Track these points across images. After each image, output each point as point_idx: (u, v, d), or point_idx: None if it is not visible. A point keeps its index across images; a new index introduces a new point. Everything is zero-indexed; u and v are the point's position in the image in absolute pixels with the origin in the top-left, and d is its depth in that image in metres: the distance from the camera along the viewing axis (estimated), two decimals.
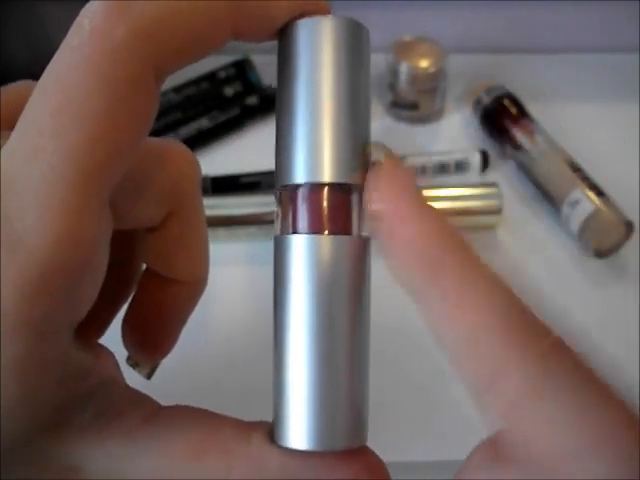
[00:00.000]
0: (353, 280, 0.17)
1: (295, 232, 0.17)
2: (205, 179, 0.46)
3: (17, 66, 0.47)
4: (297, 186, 0.17)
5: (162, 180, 0.21)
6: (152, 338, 0.23)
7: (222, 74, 0.53)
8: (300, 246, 0.17)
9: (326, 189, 0.17)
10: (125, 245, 0.23)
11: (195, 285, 0.23)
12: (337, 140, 0.17)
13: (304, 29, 0.17)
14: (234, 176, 0.47)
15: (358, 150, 0.18)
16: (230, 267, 0.42)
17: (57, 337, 0.16)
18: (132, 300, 0.23)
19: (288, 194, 0.18)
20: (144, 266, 0.24)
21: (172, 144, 0.21)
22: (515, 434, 0.15)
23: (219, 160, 0.49)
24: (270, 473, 0.18)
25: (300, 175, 0.17)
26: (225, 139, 0.51)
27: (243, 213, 0.43)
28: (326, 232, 0.17)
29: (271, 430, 0.18)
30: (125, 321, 0.23)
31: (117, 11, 0.16)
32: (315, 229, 0.17)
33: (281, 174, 0.18)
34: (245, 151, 0.50)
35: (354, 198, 0.18)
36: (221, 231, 0.43)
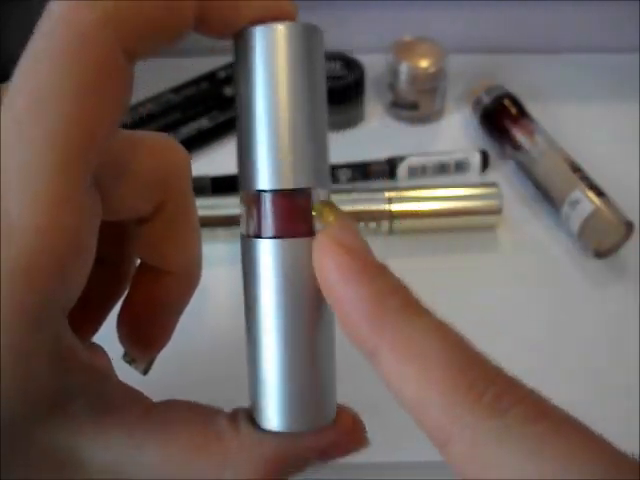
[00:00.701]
0: (315, 278, 0.18)
1: (260, 235, 0.18)
2: (205, 179, 0.46)
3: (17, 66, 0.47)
4: (260, 192, 0.18)
5: (151, 169, 0.21)
6: (147, 332, 0.24)
7: (222, 74, 0.53)
8: (265, 250, 0.18)
9: (288, 195, 0.18)
10: (118, 240, 0.23)
11: (188, 276, 0.24)
12: (295, 146, 0.18)
13: (260, 37, 0.18)
14: (234, 176, 0.46)
15: (316, 152, 0.19)
16: (230, 267, 0.42)
17: (49, 323, 0.17)
18: (126, 296, 0.24)
19: (252, 198, 0.19)
20: (138, 263, 0.24)
21: (163, 137, 0.22)
22: None
23: (219, 160, 0.49)
24: (267, 453, 0.19)
25: (263, 182, 0.18)
26: (225, 139, 0.51)
27: None
28: (289, 235, 0.18)
29: (251, 416, 0.19)
30: (120, 317, 0.23)
31: None
32: (278, 233, 0.18)
33: (244, 179, 0.19)
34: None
35: (314, 199, 0.19)
36: (221, 231, 0.43)
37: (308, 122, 0.18)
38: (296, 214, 0.18)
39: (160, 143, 0.22)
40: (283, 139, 0.18)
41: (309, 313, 0.19)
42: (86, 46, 0.16)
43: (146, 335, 0.23)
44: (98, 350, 0.21)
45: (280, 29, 0.18)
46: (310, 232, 0.18)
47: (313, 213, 0.18)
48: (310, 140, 0.18)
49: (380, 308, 0.17)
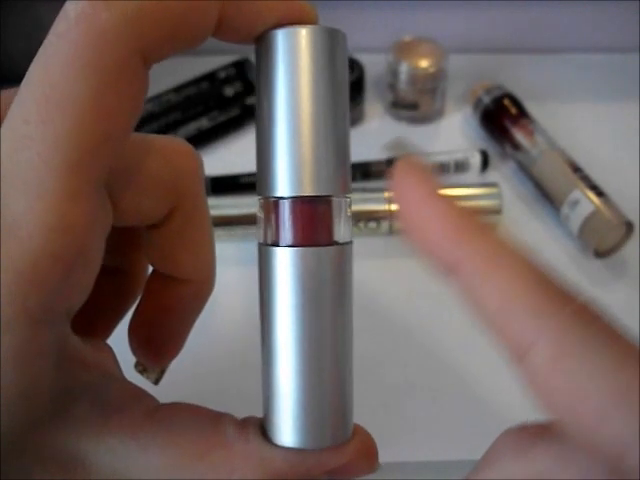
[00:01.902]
0: (335, 287, 0.18)
1: (278, 244, 0.18)
2: (205, 179, 0.46)
3: (17, 66, 0.47)
4: (279, 198, 0.18)
5: (164, 174, 0.20)
6: (159, 341, 0.23)
7: (222, 74, 0.53)
8: (283, 259, 0.18)
9: (307, 202, 0.18)
10: (130, 246, 0.23)
11: (201, 284, 0.23)
12: (317, 153, 0.17)
13: (282, 40, 0.18)
14: (234, 176, 0.47)
15: (338, 159, 0.18)
16: (230, 267, 0.42)
17: (53, 325, 0.16)
18: (138, 304, 0.23)
19: (271, 204, 0.18)
20: (150, 271, 0.23)
21: (175, 140, 0.21)
22: (546, 403, 0.15)
23: (219, 160, 0.49)
24: (274, 467, 0.18)
25: (282, 188, 0.18)
26: (225, 139, 0.51)
27: (243, 213, 0.43)
28: (308, 244, 0.18)
29: (262, 427, 0.19)
30: (131, 326, 0.23)
31: None
32: (298, 242, 0.18)
33: (264, 185, 0.18)
34: (245, 151, 0.50)
35: (334, 208, 0.18)
36: (221, 231, 0.43)
37: (330, 127, 0.18)
38: (316, 222, 0.18)
39: (172, 146, 0.21)
40: (304, 144, 0.17)
41: (328, 325, 0.18)
42: (102, 47, 0.15)
43: (158, 344, 0.23)
44: (103, 348, 0.21)
45: (303, 32, 0.17)
46: (330, 241, 0.18)
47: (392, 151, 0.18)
48: (332, 146, 0.18)
49: (466, 222, 0.17)
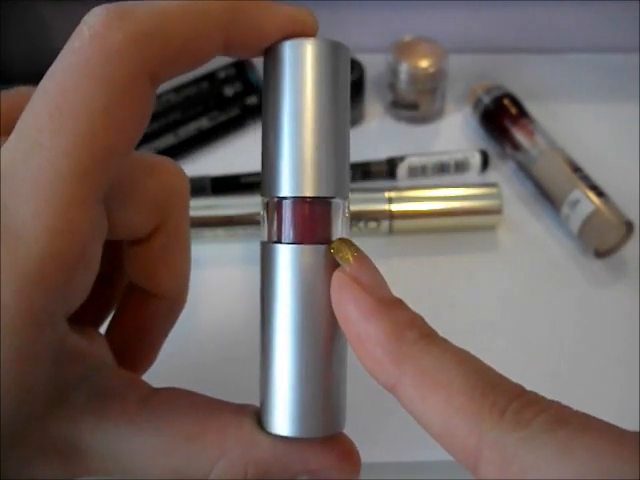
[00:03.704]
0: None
1: (280, 241, 0.19)
2: (205, 179, 0.46)
3: (17, 66, 0.47)
4: (282, 198, 0.19)
5: (152, 191, 0.21)
6: (133, 353, 0.24)
7: (222, 74, 0.53)
8: (284, 255, 0.19)
9: (308, 203, 0.19)
10: (112, 259, 0.23)
11: (175, 301, 0.24)
12: (318, 157, 0.19)
13: (289, 51, 0.19)
14: (234, 176, 0.47)
15: (338, 163, 0.19)
16: (230, 267, 0.42)
17: (54, 326, 0.17)
18: (113, 317, 0.24)
19: (274, 204, 0.19)
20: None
21: (164, 159, 0.22)
22: None
23: (219, 160, 0.49)
24: (260, 455, 0.19)
25: (285, 189, 0.19)
26: (225, 139, 0.51)
27: (243, 213, 0.43)
28: (308, 242, 0.19)
29: (259, 416, 0.20)
30: (106, 337, 0.23)
31: (116, 18, 0.16)
32: (298, 239, 0.19)
33: (267, 185, 0.19)
34: (245, 151, 0.50)
35: (333, 209, 0.19)
36: (221, 231, 0.43)
37: (331, 134, 0.19)
38: (316, 221, 0.19)
39: (164, 166, 0.22)
40: (307, 148, 0.19)
41: (325, 318, 0.19)
42: (113, 66, 0.16)
43: (131, 356, 0.24)
44: (96, 337, 0.21)
45: (309, 44, 0.19)
46: (328, 240, 0.19)
47: (331, 250, 0.19)
48: (333, 151, 0.19)
49: (398, 341, 0.17)
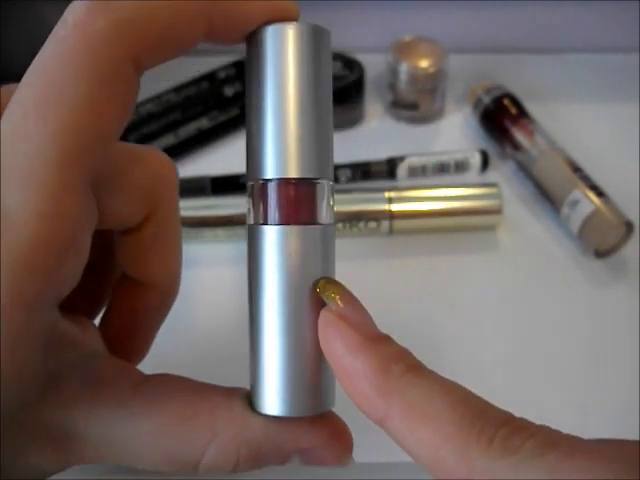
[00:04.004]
0: (318, 264, 0.19)
1: (266, 223, 0.19)
2: (205, 179, 0.46)
3: (17, 66, 0.47)
4: (267, 181, 0.19)
5: (144, 181, 0.22)
6: (126, 344, 0.24)
7: (222, 74, 0.53)
8: (271, 236, 0.19)
9: (293, 184, 0.19)
10: (102, 250, 0.23)
11: (167, 291, 0.24)
12: (301, 139, 0.19)
13: (271, 35, 0.19)
14: (234, 176, 0.47)
15: (321, 145, 0.19)
16: (230, 267, 0.42)
17: (45, 312, 0.17)
18: (106, 309, 0.24)
19: (259, 187, 0.20)
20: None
21: (151, 149, 0.23)
22: None
23: (219, 160, 0.49)
24: (252, 435, 0.19)
25: (270, 171, 0.19)
26: (225, 139, 0.51)
27: (243, 213, 0.43)
28: (293, 222, 0.19)
29: (249, 398, 0.20)
30: (99, 328, 0.23)
31: (99, 6, 0.17)
32: (283, 220, 0.19)
33: (252, 169, 0.20)
34: (245, 151, 0.50)
35: (318, 190, 0.20)
36: (221, 231, 0.43)
37: (314, 116, 0.19)
38: (301, 202, 0.19)
39: (152, 155, 0.23)
40: (290, 131, 0.19)
41: (312, 297, 0.19)
42: (95, 53, 0.16)
43: (125, 349, 0.24)
44: (87, 325, 0.22)
45: (290, 28, 0.19)
46: (313, 221, 0.19)
47: (317, 290, 0.19)
48: (315, 133, 0.19)
49: (385, 375, 0.17)
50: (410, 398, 0.17)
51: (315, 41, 0.19)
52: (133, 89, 0.18)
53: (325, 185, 0.20)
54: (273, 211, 0.19)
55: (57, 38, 0.17)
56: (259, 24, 0.19)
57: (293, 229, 0.19)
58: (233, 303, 0.41)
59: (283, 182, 0.19)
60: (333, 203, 0.20)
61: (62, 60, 0.16)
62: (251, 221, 0.20)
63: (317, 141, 0.19)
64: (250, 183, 0.20)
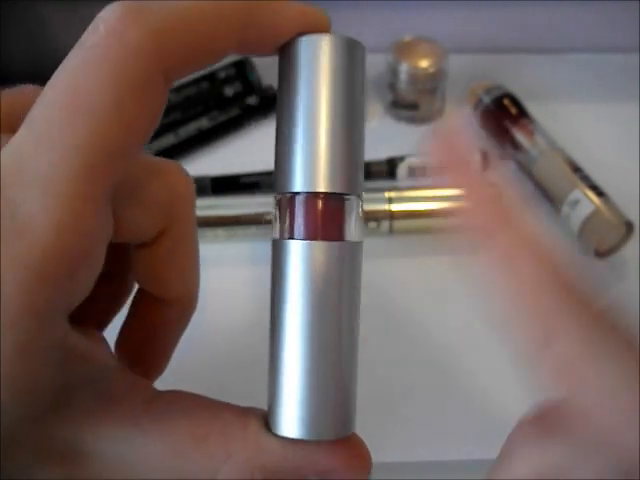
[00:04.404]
0: (344, 282, 0.19)
1: (292, 237, 0.19)
2: (205, 179, 0.46)
3: (17, 66, 0.47)
4: (295, 194, 0.19)
5: (157, 194, 0.21)
6: (145, 360, 0.23)
7: (222, 74, 0.53)
8: (296, 251, 0.18)
9: (321, 198, 0.18)
10: (118, 263, 0.23)
11: (185, 306, 0.24)
12: (332, 153, 0.18)
13: (305, 46, 0.19)
14: (234, 176, 0.47)
15: (352, 160, 0.19)
16: (230, 267, 0.42)
17: (55, 323, 0.17)
18: (124, 323, 0.24)
19: (286, 200, 0.19)
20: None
21: (171, 163, 0.22)
22: (569, 400, 0.15)
23: (219, 160, 0.49)
24: (267, 458, 0.18)
25: (298, 184, 0.18)
26: (225, 139, 0.51)
27: (243, 213, 0.43)
28: (321, 238, 0.18)
29: (266, 419, 0.19)
30: (118, 344, 0.23)
31: (132, 14, 0.16)
32: (310, 236, 0.18)
33: (280, 181, 0.19)
34: (245, 151, 0.50)
35: (347, 206, 0.19)
36: (221, 231, 0.43)
37: (346, 131, 0.19)
38: (328, 218, 0.19)
39: (171, 170, 0.22)
40: (320, 144, 0.18)
41: (336, 316, 0.19)
42: (127, 62, 0.16)
43: (144, 363, 0.23)
44: (98, 339, 0.21)
45: (324, 39, 0.19)
46: (341, 238, 0.19)
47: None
48: (346, 148, 0.19)
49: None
50: (523, 237, 0.19)
51: (349, 54, 0.19)
52: (162, 101, 0.18)
53: (354, 201, 0.19)
54: (299, 225, 0.19)
55: (87, 45, 0.16)
56: (292, 35, 0.19)
57: (320, 245, 0.18)
58: (233, 303, 0.41)
59: (311, 196, 0.18)
60: (362, 219, 0.20)
61: (92, 68, 0.16)
62: (277, 234, 0.19)
63: (348, 156, 0.19)
64: (277, 196, 0.19)
